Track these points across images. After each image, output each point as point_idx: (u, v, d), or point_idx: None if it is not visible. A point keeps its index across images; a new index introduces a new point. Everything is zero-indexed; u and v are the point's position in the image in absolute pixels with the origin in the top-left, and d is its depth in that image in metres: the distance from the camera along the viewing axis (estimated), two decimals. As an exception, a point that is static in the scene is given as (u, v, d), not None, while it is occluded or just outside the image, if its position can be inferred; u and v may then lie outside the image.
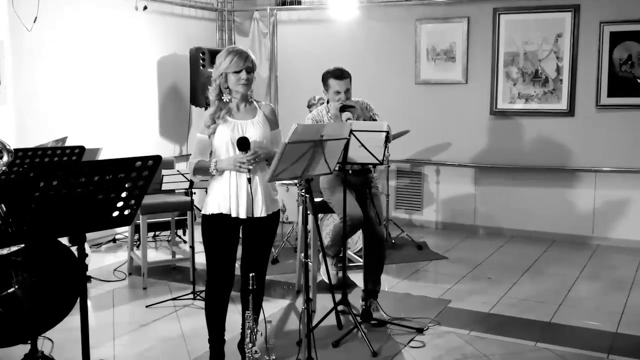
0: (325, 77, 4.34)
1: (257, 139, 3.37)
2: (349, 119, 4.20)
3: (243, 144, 3.27)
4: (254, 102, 3.52)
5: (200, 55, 6.94)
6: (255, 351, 3.18)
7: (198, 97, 6.91)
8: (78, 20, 6.18)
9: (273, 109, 3.58)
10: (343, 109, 4.28)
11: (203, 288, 3.84)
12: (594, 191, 6.53)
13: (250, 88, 3.45)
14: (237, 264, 3.58)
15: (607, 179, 6.47)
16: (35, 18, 5.64)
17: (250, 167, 3.26)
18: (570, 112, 6.55)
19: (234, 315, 3.99)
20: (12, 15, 5.49)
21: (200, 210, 3.54)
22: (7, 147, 3.16)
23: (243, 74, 3.37)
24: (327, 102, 4.42)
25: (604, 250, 6.33)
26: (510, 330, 4.28)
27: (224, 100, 3.42)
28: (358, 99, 4.44)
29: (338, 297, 4.30)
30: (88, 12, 6.26)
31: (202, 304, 4.28)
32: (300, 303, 4.59)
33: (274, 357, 3.33)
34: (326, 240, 5.27)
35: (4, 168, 3.15)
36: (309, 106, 6.02)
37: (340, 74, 4.28)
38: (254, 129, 3.40)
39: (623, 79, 6.28)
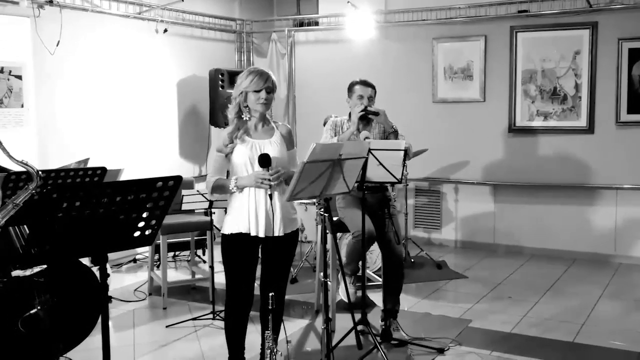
0: (352, 85, 4.50)
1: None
2: (367, 137, 4.22)
3: (265, 160, 3.29)
4: (272, 123, 3.56)
5: (220, 76, 7.01)
6: (275, 371, 3.18)
7: (217, 118, 6.97)
8: (100, 44, 6.28)
9: (290, 130, 3.61)
10: (366, 115, 4.31)
11: (222, 308, 3.84)
12: (615, 209, 6.46)
13: (269, 108, 3.48)
14: (257, 284, 3.59)
15: (628, 196, 6.40)
16: (58, 42, 5.74)
17: (272, 184, 3.28)
18: (589, 129, 6.50)
19: (253, 335, 3.99)
20: (36, 39, 5.60)
21: (220, 230, 3.56)
22: (36, 171, 3.23)
23: (263, 94, 3.40)
24: (349, 115, 4.46)
25: (627, 268, 6.25)
26: (532, 350, 4.22)
27: (243, 118, 3.46)
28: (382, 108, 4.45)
29: (357, 316, 4.27)
30: (109, 35, 6.37)
31: (221, 323, 4.29)
32: (319, 323, 4.58)
33: (293, 377, 3.32)
34: (344, 260, 5.25)
35: (33, 192, 3.22)
36: (325, 124, 6.03)
37: (367, 82, 4.47)
38: (271, 149, 3.42)
39: (643, 95, 6.24)
